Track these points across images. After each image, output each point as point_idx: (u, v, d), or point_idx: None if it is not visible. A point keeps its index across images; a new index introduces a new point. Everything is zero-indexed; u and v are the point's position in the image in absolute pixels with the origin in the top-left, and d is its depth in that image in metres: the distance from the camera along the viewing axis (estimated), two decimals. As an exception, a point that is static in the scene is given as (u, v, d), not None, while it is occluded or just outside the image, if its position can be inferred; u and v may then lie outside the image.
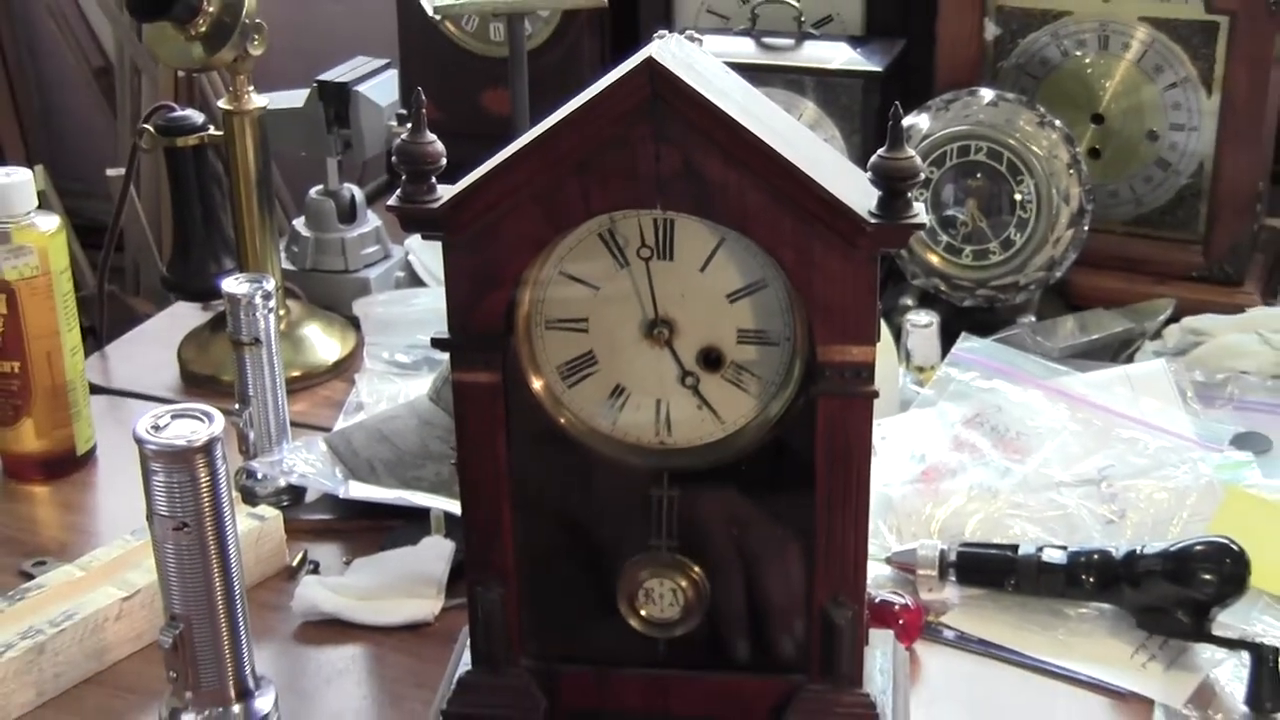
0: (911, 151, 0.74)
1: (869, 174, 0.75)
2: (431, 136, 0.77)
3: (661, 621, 0.83)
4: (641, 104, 0.73)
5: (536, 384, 0.80)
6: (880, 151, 0.74)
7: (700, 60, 0.78)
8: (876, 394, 0.77)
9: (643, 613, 0.83)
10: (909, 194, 0.74)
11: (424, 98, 0.78)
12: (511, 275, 0.77)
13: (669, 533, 0.82)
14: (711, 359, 0.79)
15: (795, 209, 0.74)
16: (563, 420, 0.81)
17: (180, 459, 0.83)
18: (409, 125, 0.77)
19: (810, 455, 0.78)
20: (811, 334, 0.76)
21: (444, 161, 0.77)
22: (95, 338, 1.49)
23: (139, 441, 0.83)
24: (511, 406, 0.79)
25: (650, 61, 0.73)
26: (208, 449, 0.84)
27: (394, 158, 0.77)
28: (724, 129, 0.73)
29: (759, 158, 0.73)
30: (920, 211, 0.74)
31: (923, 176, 0.76)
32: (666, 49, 0.75)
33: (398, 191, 0.77)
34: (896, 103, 0.75)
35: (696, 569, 0.82)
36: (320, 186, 1.49)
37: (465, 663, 0.87)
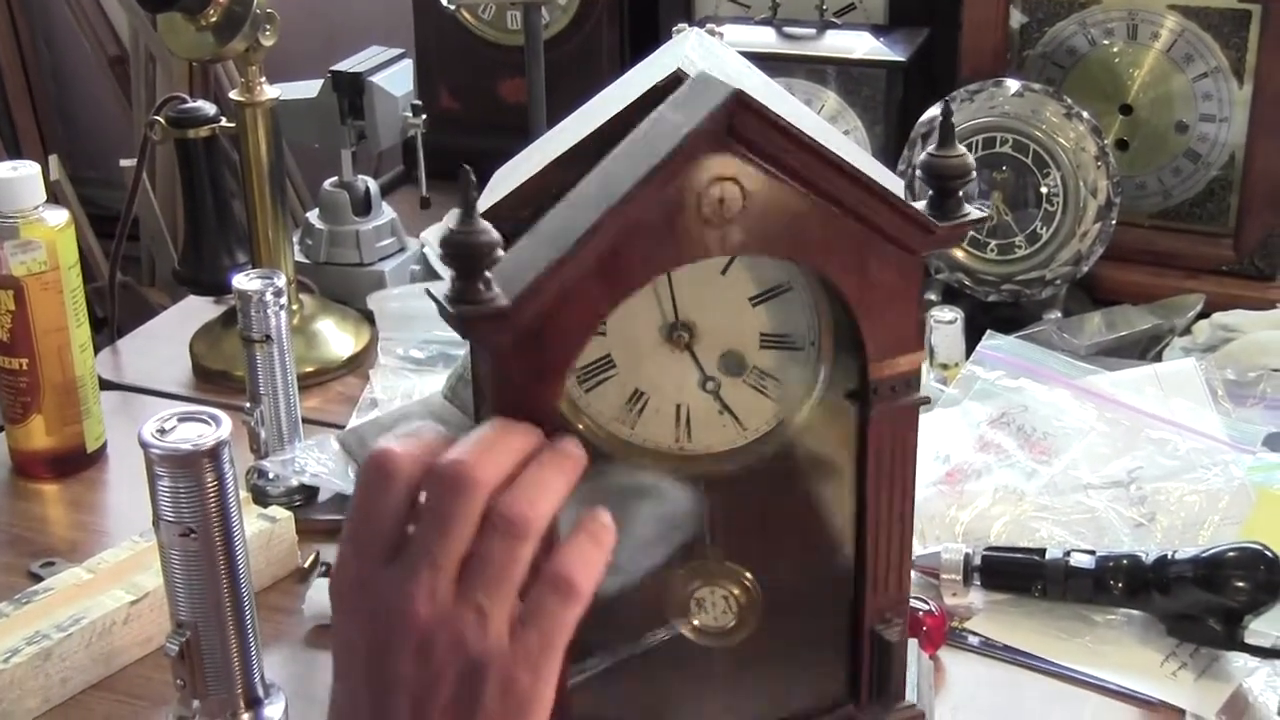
0: (963, 149, 0.72)
1: (919, 173, 0.72)
2: (484, 224, 0.63)
3: (716, 630, 0.81)
4: (718, 152, 0.66)
5: (552, 389, 0.78)
6: (930, 149, 0.72)
7: (722, 56, 0.75)
8: (926, 400, 0.75)
9: (696, 622, 0.81)
10: (960, 192, 0.72)
11: (474, 178, 0.63)
12: (566, 364, 0.67)
13: (714, 539, 0.79)
14: (733, 363, 0.76)
15: (857, 226, 0.69)
16: (580, 427, 0.79)
17: (186, 464, 0.81)
18: (458, 211, 0.63)
19: (832, 460, 0.76)
20: (863, 351, 0.73)
21: (501, 252, 0.64)
22: (110, 329, 1.47)
23: (144, 446, 0.82)
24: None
25: (731, 106, 0.66)
26: (214, 453, 0.82)
27: (442, 251, 0.64)
28: (805, 162, 0.67)
29: (837, 184, 0.68)
30: (971, 209, 0.72)
31: (974, 174, 0.73)
32: (690, 48, 0.72)
33: (446, 291, 0.64)
34: (947, 99, 0.73)
35: (748, 575, 0.80)
36: (334, 178, 1.47)
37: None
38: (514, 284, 0.64)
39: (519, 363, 0.65)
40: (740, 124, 0.66)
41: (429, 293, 0.64)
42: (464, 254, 0.63)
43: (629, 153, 0.67)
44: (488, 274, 0.63)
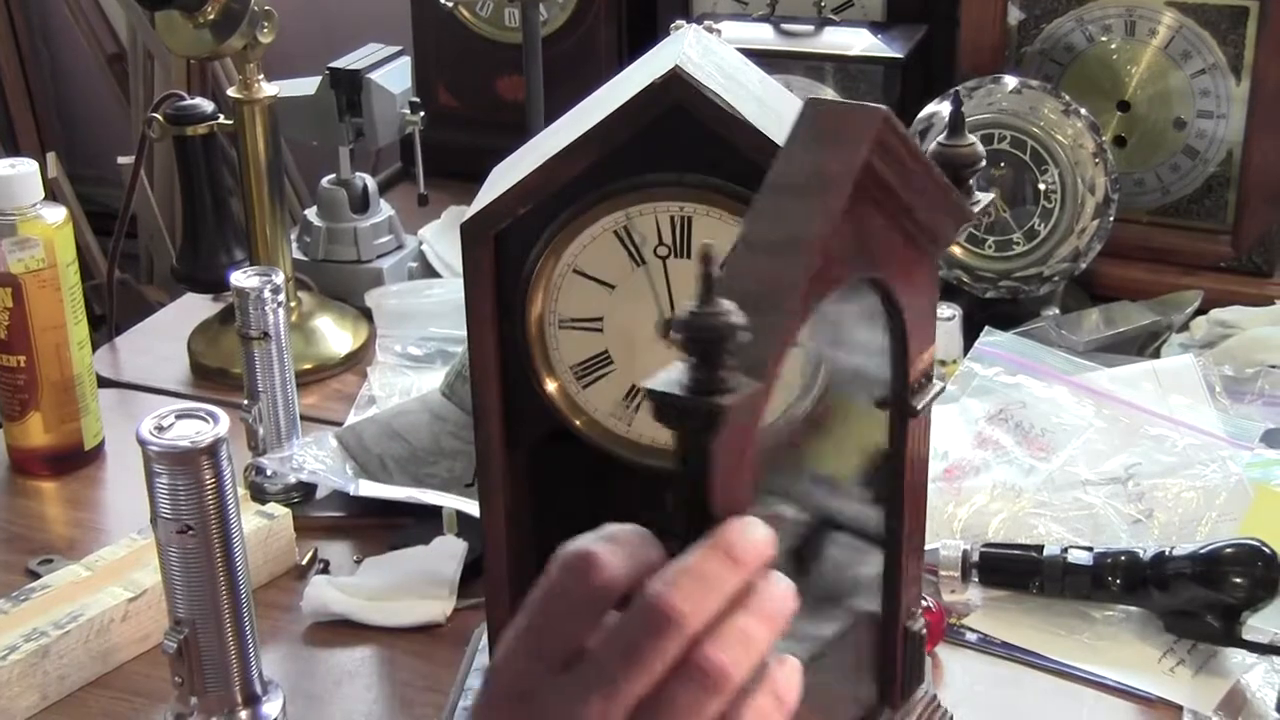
0: (973, 138, 0.72)
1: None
2: (726, 304, 0.54)
3: None
4: (866, 179, 0.63)
5: (550, 386, 0.78)
6: (940, 139, 0.72)
7: (722, 54, 0.75)
8: (942, 388, 0.75)
9: None
10: (970, 181, 0.72)
11: (712, 253, 0.55)
12: (756, 441, 0.57)
13: None
14: (731, 360, 0.76)
15: (910, 226, 0.68)
16: (578, 423, 0.79)
17: (184, 461, 0.81)
18: (698, 294, 0.54)
19: (834, 457, 0.76)
20: (905, 355, 0.72)
21: (745, 332, 0.55)
22: (108, 327, 1.47)
23: (142, 443, 0.82)
24: (526, 412, 0.77)
25: (882, 131, 0.63)
26: (212, 451, 0.82)
27: (680, 335, 0.54)
28: (912, 170, 0.66)
29: (926, 185, 0.67)
30: (982, 196, 0.72)
31: (984, 163, 0.73)
32: (688, 45, 0.72)
33: (684, 382, 0.54)
34: (957, 90, 0.73)
35: None
36: (332, 175, 1.47)
37: (478, 665, 0.86)
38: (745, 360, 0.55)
39: (730, 450, 0.55)
40: (883, 147, 0.63)
41: (653, 392, 0.55)
42: (709, 338, 0.54)
43: (790, 195, 0.62)
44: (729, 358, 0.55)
